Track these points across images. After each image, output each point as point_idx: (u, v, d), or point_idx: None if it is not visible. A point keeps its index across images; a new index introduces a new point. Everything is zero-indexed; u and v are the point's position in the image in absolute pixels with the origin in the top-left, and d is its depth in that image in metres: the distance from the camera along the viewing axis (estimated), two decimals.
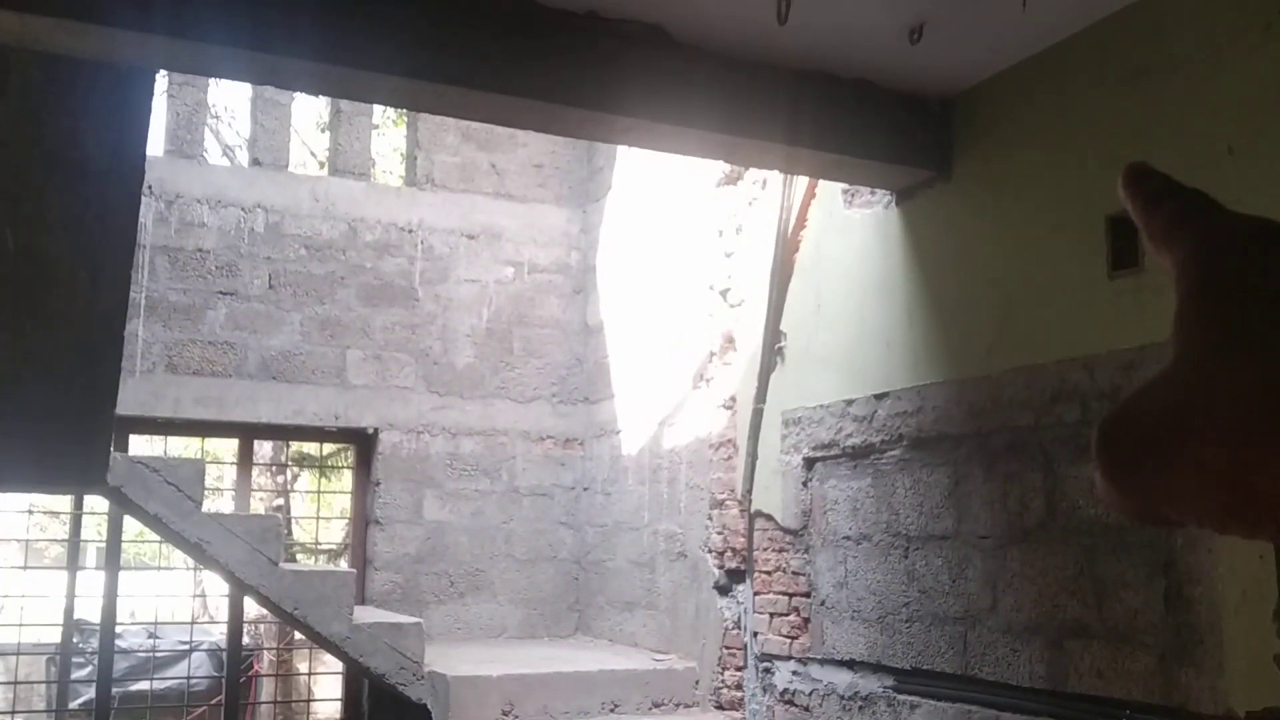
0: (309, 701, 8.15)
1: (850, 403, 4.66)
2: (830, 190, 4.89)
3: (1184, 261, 0.43)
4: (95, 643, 9.73)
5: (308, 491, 12.50)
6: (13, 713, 9.38)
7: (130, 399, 5.77)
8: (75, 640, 7.29)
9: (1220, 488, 0.37)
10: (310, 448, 10.70)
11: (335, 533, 9.89)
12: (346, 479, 9.31)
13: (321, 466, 10.00)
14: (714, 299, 5.84)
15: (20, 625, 6.67)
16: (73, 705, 8.66)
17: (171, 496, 5.18)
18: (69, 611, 6.64)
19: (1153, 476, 0.39)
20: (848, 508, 4.65)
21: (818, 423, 4.87)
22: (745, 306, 5.57)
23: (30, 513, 7.31)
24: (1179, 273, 0.43)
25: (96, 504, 6.54)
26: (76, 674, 8.23)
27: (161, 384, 6.42)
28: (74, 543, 6.71)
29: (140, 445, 6.74)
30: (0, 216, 3.90)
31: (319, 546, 8.06)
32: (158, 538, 6.39)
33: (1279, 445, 0.36)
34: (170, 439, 7.12)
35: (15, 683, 8.40)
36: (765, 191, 5.42)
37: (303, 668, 10.45)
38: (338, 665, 7.49)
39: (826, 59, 3.94)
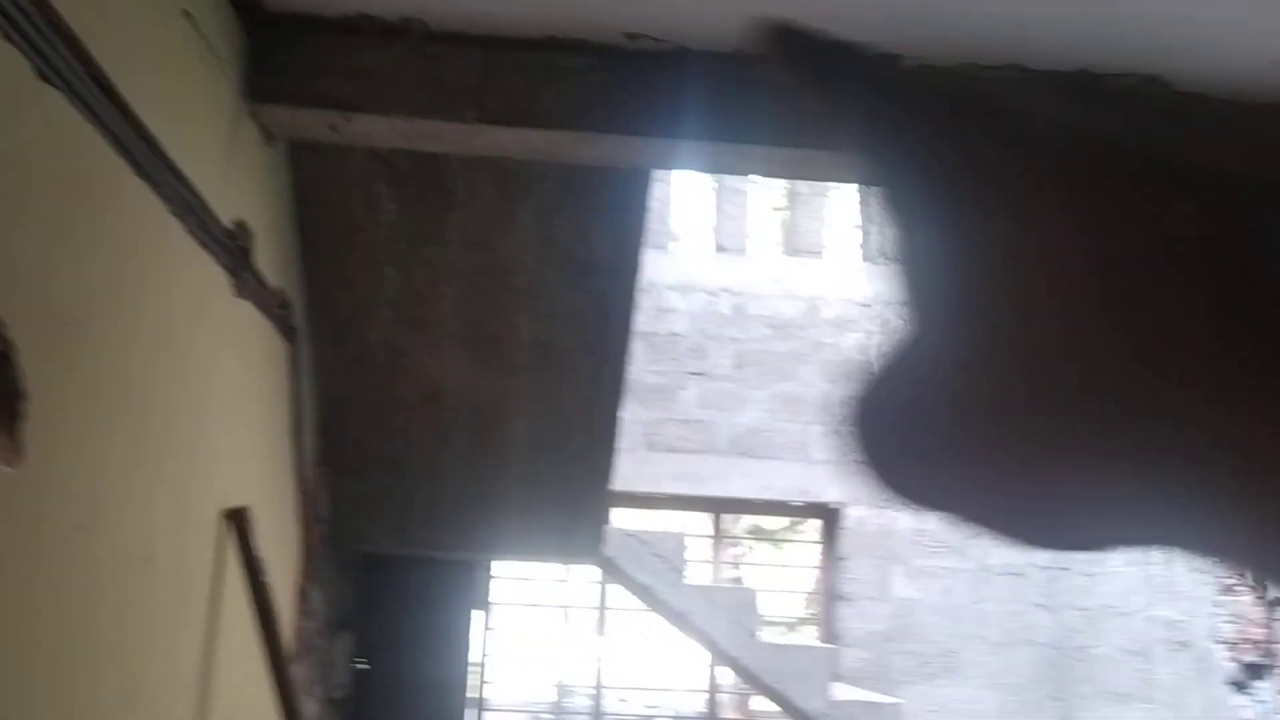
0: None
1: None
2: None
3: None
4: (576, 704, 10.48)
5: (761, 565, 12.77)
6: None
7: (615, 474, 6.15)
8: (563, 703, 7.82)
9: None
10: (763, 522, 10.95)
11: (792, 606, 9.97)
12: (798, 551, 9.41)
13: (776, 540, 10.16)
14: None
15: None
16: None
17: (658, 567, 5.46)
18: (560, 677, 7.15)
19: (916, 452, 0.32)
20: None
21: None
22: None
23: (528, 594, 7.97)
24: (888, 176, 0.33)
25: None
26: None
27: (641, 461, 6.83)
28: (567, 611, 7.23)
29: (622, 519, 7.19)
30: (520, 313, 4.34)
31: (783, 620, 8.17)
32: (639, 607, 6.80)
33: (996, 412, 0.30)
34: (648, 512, 7.53)
35: None
36: None
37: None
38: None
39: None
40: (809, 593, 7.78)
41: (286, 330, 4.14)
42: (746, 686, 8.17)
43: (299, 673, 4.68)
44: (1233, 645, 5.02)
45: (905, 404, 0.32)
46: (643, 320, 6.94)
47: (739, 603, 5.57)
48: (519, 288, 4.23)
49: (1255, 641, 4.86)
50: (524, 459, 4.79)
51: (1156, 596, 5.75)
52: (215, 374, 3.30)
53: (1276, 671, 4.71)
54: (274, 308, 3.87)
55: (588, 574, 7.02)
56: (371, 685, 6.32)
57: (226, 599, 3.48)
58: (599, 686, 6.96)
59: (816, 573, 7.33)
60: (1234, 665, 5.00)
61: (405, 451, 4.74)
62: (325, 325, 4.38)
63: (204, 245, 2.95)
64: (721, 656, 5.87)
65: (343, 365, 4.48)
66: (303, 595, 4.59)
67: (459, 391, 4.54)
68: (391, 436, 4.72)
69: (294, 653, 4.53)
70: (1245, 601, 4.94)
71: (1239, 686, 4.98)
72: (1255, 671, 4.87)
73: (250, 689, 3.71)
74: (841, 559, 6.94)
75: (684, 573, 5.56)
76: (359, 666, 6.17)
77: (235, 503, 3.45)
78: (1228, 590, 5.07)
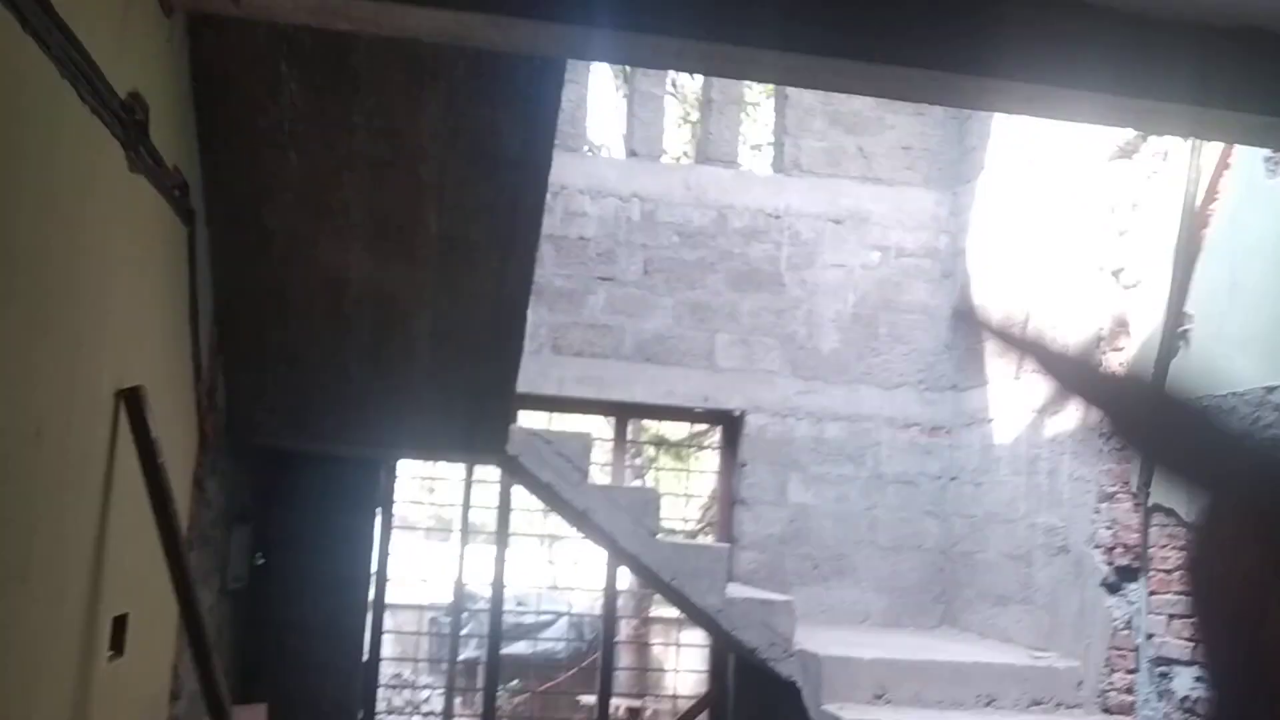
0: (675, 672, 8.43)
1: (1271, 390, 4.25)
2: (1249, 158, 4.48)
3: None
4: (476, 607, 10.59)
5: (664, 469, 12.95)
6: (413, 660, 10.29)
7: (520, 377, 6.13)
8: (461, 603, 7.89)
9: None
10: (666, 431, 11.09)
11: (691, 511, 10.14)
12: (699, 461, 9.58)
13: (679, 446, 10.31)
14: (1104, 281, 5.50)
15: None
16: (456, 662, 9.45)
17: (562, 467, 5.50)
18: (459, 577, 7.20)
19: None
20: None
21: (1228, 412, 4.48)
22: (1141, 288, 5.21)
23: (432, 490, 7.99)
24: None
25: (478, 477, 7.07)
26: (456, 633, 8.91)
27: (547, 364, 6.84)
28: (466, 508, 7.25)
29: (525, 421, 7.20)
30: (427, 204, 4.28)
31: (684, 523, 8.32)
32: (516, 523, 6.87)
33: None
34: (553, 415, 7.57)
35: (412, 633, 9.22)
36: (1166, 164, 5.05)
37: (657, 641, 10.86)
38: (694, 640, 7.72)
39: (1249, 8, 3.60)
40: (709, 497, 7.93)
41: (184, 212, 4.02)
42: (645, 588, 8.34)
43: (195, 561, 4.64)
44: (1108, 550, 5.25)
45: None
46: (552, 224, 6.90)
47: (640, 503, 5.65)
48: (426, 178, 4.16)
49: (1129, 546, 5.10)
50: (428, 354, 4.76)
51: (1040, 504, 5.98)
52: (108, 250, 3.21)
53: (1147, 574, 4.94)
54: (170, 188, 3.75)
55: (490, 474, 7.05)
56: (270, 580, 6.30)
57: (121, 480, 3.43)
58: (499, 588, 7.03)
59: (716, 479, 7.46)
60: (1109, 569, 5.23)
61: (305, 343, 4.68)
62: (223, 209, 4.27)
63: (97, 114, 2.84)
64: (622, 555, 5.97)
65: (241, 251, 4.38)
66: (199, 484, 4.54)
67: (362, 282, 4.47)
68: (291, 327, 4.64)
69: (190, 541, 4.49)
70: (1123, 508, 5.16)
71: (1112, 588, 5.22)
72: (1128, 574, 5.12)
73: (147, 572, 3.68)
74: (741, 465, 7.07)
75: (588, 473, 5.62)
76: (257, 561, 6.15)
77: (129, 383, 3.38)
78: (1108, 498, 5.29)
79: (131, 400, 3.33)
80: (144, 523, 3.52)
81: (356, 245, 4.37)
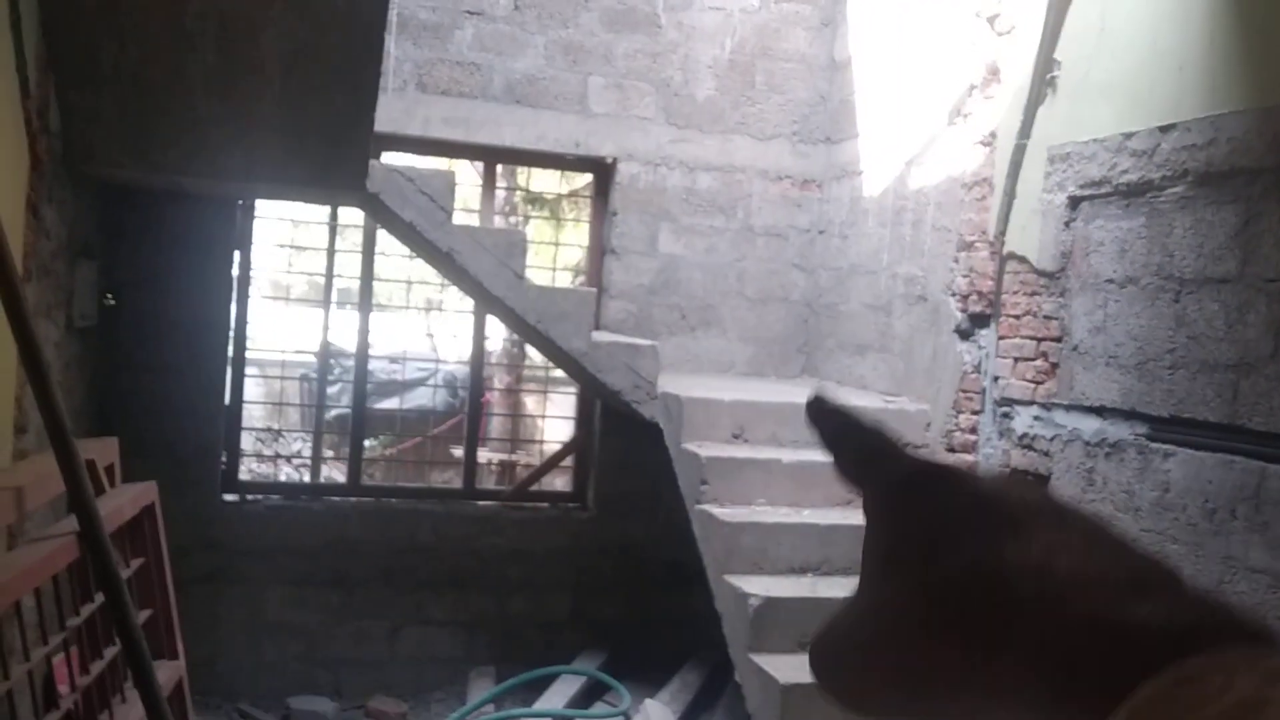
0: (544, 420, 8.57)
1: (1129, 136, 4.30)
2: None
3: (864, 502, 0.51)
4: (345, 365, 10.53)
5: (537, 217, 12.83)
6: (277, 405, 10.26)
7: (382, 116, 5.85)
8: (328, 357, 7.78)
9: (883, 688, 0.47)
10: (541, 185, 10.89)
11: (562, 271, 10.11)
12: (569, 214, 9.47)
13: (558, 199, 10.16)
14: (979, 27, 5.43)
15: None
16: (328, 417, 9.45)
17: (425, 205, 5.35)
18: (325, 328, 7.07)
19: (848, 680, 0.48)
20: (1114, 249, 4.37)
21: (1089, 159, 4.54)
22: (1015, 34, 5.16)
23: (292, 246, 7.69)
24: (864, 510, 0.51)
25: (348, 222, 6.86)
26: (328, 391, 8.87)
27: (412, 102, 6.55)
28: (330, 254, 7.04)
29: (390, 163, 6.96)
30: None
31: (555, 273, 8.25)
32: (394, 287, 6.71)
33: (887, 662, 0.47)
34: (419, 159, 7.30)
35: (281, 405, 9.15)
36: None
37: (530, 403, 11.02)
38: (566, 392, 7.82)
39: None
40: (579, 254, 7.87)
41: None
42: (514, 336, 8.35)
43: (35, 293, 4.43)
44: (964, 298, 5.39)
45: (849, 642, 0.49)
46: None
47: (506, 244, 5.56)
48: None
49: (983, 293, 5.24)
50: (278, 78, 4.49)
51: (902, 255, 6.08)
52: None
53: (998, 319, 5.11)
54: None
55: (355, 220, 6.84)
56: (123, 321, 6.10)
57: None
58: (364, 339, 6.94)
59: (587, 228, 7.38)
60: (962, 315, 5.39)
61: (143, 62, 4.35)
62: None
63: None
64: (488, 301, 5.91)
65: None
66: (33, 210, 4.28)
67: None
68: (128, 44, 4.30)
69: (28, 271, 4.27)
70: (980, 256, 5.28)
71: (964, 335, 5.40)
72: (980, 320, 5.28)
73: None
74: (612, 214, 6.98)
75: (451, 213, 5.47)
76: (107, 301, 5.92)
77: None
78: (966, 246, 5.39)
79: None
80: None
81: None
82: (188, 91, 4.50)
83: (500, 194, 9.93)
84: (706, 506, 4.99)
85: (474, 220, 7.09)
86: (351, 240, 7.55)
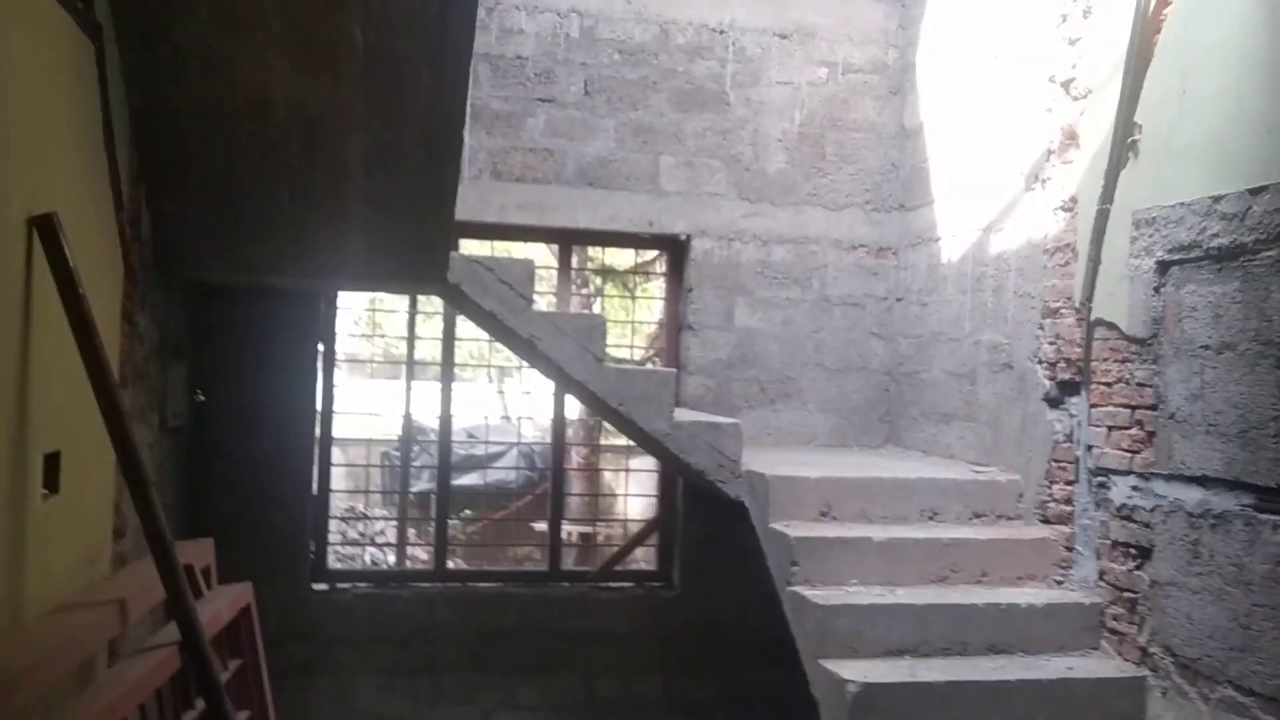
0: (619, 496, 8.54)
1: (1218, 199, 4.21)
2: None
3: None
4: (425, 439, 10.63)
5: (612, 296, 12.88)
6: (364, 492, 10.37)
7: (458, 204, 5.94)
8: (410, 436, 7.85)
9: None
10: (613, 259, 10.96)
11: (639, 340, 10.12)
12: (648, 290, 9.50)
13: (629, 273, 10.21)
14: (1053, 91, 5.38)
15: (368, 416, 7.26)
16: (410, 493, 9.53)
17: (505, 294, 5.40)
18: (407, 410, 7.14)
19: None
20: (1208, 314, 4.26)
21: (1176, 222, 4.45)
22: (1091, 98, 5.10)
23: (360, 325, 7.84)
24: None
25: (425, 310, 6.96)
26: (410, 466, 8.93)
27: (486, 190, 6.65)
28: (411, 341, 7.14)
29: (467, 249, 7.05)
30: (350, 14, 4.03)
31: (632, 349, 8.28)
32: (466, 356, 6.79)
33: None
34: (496, 245, 7.40)
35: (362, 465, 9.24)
36: None
37: (608, 474, 11.01)
38: (645, 466, 7.79)
39: None
40: (657, 325, 7.88)
41: (89, 26, 3.77)
42: (594, 416, 8.36)
43: (130, 398, 4.53)
44: (1051, 365, 5.29)
45: None
46: (488, 42, 6.62)
47: (586, 329, 5.57)
48: None
49: (1071, 360, 5.13)
50: (361, 178, 4.58)
51: (984, 322, 5.99)
52: (5, 68, 2.98)
53: (1088, 387, 5.00)
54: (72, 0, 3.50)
55: (435, 306, 6.93)
56: (213, 417, 6.22)
57: (42, 312, 3.29)
58: (446, 420, 7.00)
59: (663, 305, 7.39)
60: (1051, 383, 5.28)
61: (231, 168, 4.47)
62: (133, 24, 4.00)
63: None
64: (569, 383, 5.92)
65: (156, 71, 4.13)
66: (128, 318, 4.40)
67: (287, 102, 4.25)
68: (215, 152, 4.43)
69: (124, 377, 4.37)
70: (1067, 323, 5.18)
71: (1053, 403, 5.28)
72: (1069, 388, 5.17)
73: (79, 409, 3.57)
74: (688, 290, 7.00)
75: (531, 300, 5.51)
76: (198, 399, 6.05)
77: (41, 210, 3.20)
78: (1051, 313, 5.30)
79: (45, 227, 3.16)
80: (70, 357, 3.39)
81: (278, 61, 4.14)
82: (273, 194, 4.61)
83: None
84: (798, 588, 4.91)
85: (550, 300, 7.15)
86: (433, 319, 7.65)
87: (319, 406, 6.61)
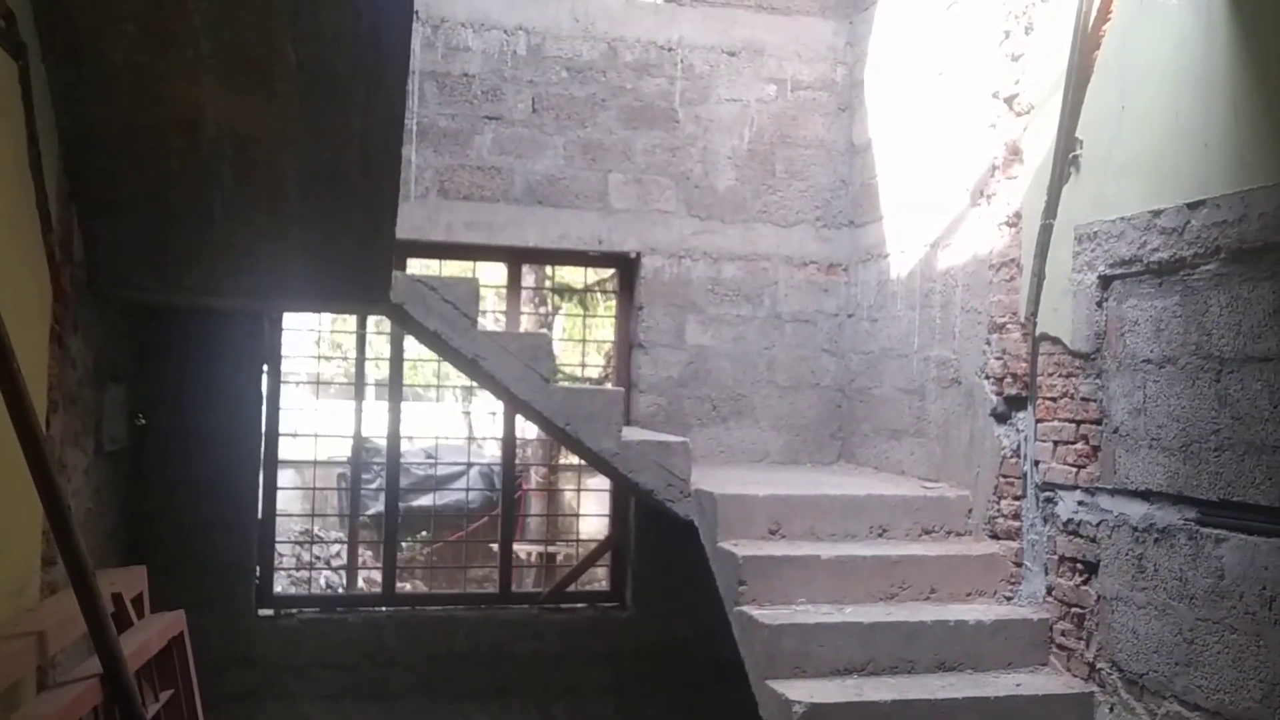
0: (576, 516, 8.47)
1: (1157, 214, 4.22)
2: None
3: None
4: (379, 460, 10.48)
5: (569, 314, 12.83)
6: (311, 515, 10.22)
7: (405, 223, 5.88)
8: (362, 457, 7.74)
9: None
10: (570, 277, 10.92)
11: (594, 359, 10.07)
12: (608, 308, 9.46)
13: (584, 291, 10.17)
14: (997, 107, 5.40)
15: (315, 437, 7.16)
16: (363, 517, 9.40)
17: (449, 314, 5.33)
18: (358, 431, 7.04)
19: None
20: (1150, 329, 4.27)
21: (1117, 237, 4.46)
22: (1034, 114, 5.12)
23: (319, 345, 7.73)
24: None
25: (374, 331, 6.88)
26: (365, 488, 8.81)
27: (434, 209, 6.59)
28: (360, 362, 7.07)
29: (417, 269, 6.98)
30: (281, 32, 3.97)
31: (584, 368, 8.22)
32: (429, 375, 6.71)
33: None
34: (445, 263, 7.33)
35: (313, 488, 9.12)
36: None
37: (566, 488, 10.91)
38: (602, 485, 7.72)
39: None
40: (610, 344, 7.83)
41: (11, 45, 3.69)
42: (545, 435, 8.28)
43: (63, 422, 4.43)
44: (998, 380, 5.29)
45: None
46: (434, 59, 6.58)
47: (531, 348, 5.52)
48: (276, 3, 3.84)
49: (1018, 375, 5.13)
50: (297, 197, 4.51)
51: (933, 338, 5.99)
52: None
53: (1034, 402, 5.00)
54: None
55: (387, 325, 6.85)
56: (153, 440, 6.10)
57: None
58: (394, 441, 6.90)
59: (614, 323, 7.35)
60: (998, 399, 5.28)
61: (163, 188, 4.39)
62: (60, 42, 3.92)
63: None
64: (516, 403, 5.86)
65: (84, 90, 4.05)
66: (59, 341, 4.29)
67: (219, 121, 4.18)
68: (146, 171, 4.34)
69: (55, 401, 4.27)
70: (1013, 338, 5.18)
71: (1001, 418, 5.28)
72: (1016, 403, 5.17)
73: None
74: (638, 308, 6.96)
75: (476, 320, 5.45)
76: (137, 422, 5.93)
77: None
78: (998, 328, 5.30)
79: None
80: None
81: (209, 79, 4.06)
82: (207, 214, 4.53)
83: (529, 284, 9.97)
84: (745, 608, 4.86)
85: (502, 319, 7.08)
86: (381, 338, 7.56)
87: (264, 428, 6.50)
